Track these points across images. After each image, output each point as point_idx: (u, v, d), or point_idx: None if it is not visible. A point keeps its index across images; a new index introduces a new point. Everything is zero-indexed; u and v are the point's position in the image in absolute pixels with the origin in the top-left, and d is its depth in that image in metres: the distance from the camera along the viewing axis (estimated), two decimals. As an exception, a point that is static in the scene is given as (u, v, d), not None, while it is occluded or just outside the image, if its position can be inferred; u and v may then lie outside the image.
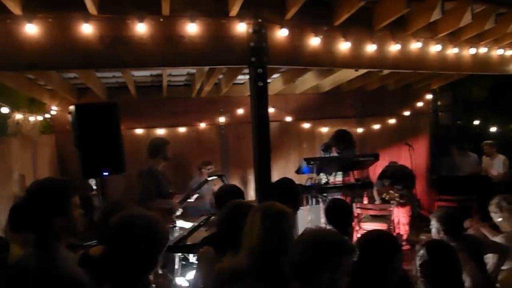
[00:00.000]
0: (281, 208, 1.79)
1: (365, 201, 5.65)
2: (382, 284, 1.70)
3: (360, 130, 7.03)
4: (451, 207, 4.97)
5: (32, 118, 5.02)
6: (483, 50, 5.25)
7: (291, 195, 2.49)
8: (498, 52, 5.43)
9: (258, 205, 1.86)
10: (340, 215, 2.60)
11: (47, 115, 5.68)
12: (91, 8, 3.21)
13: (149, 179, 3.65)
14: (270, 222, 1.73)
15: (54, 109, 5.75)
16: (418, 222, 5.50)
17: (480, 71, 5.54)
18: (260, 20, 3.72)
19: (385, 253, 1.72)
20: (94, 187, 4.19)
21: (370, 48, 4.33)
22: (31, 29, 3.16)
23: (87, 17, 3.28)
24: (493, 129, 7.56)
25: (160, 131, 6.13)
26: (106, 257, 1.44)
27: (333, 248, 1.52)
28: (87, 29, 3.30)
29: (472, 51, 5.11)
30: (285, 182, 2.84)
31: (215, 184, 5.56)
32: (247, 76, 4.10)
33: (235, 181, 6.30)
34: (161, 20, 3.50)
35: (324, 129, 6.84)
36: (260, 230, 1.72)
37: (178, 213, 3.87)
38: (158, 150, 3.82)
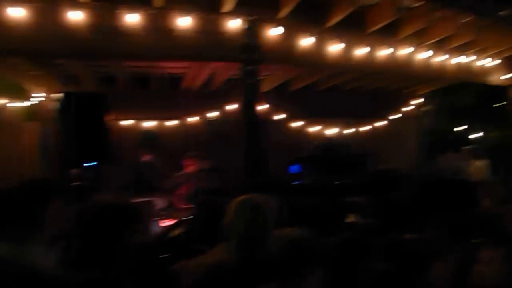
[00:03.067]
0: (258, 201, 1.84)
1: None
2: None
3: (350, 131, 7.10)
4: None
5: (15, 105, 4.91)
6: (467, 59, 5.38)
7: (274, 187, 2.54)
8: (481, 62, 5.57)
9: (238, 198, 1.91)
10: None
11: (32, 102, 5.54)
12: (83, -5, 3.17)
13: (133, 172, 3.63)
14: (248, 214, 1.78)
15: (40, 96, 5.62)
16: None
17: (464, 79, 5.67)
18: (253, 18, 3.71)
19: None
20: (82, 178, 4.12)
21: (361, 50, 4.38)
22: (16, 13, 3.08)
23: (77, 5, 3.23)
24: (476, 134, 7.75)
25: (150, 124, 6.07)
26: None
27: (310, 254, 1.55)
28: (76, 17, 3.24)
29: (458, 59, 5.23)
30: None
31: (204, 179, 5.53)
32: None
33: (223, 177, 6.28)
34: (154, 12, 3.47)
35: (316, 128, 6.87)
36: (240, 222, 1.77)
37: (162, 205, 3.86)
38: (146, 143, 3.80)
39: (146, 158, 3.84)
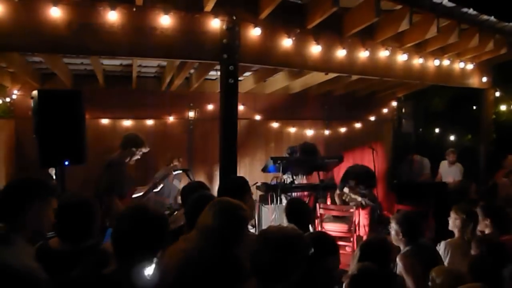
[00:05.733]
0: (237, 205, 1.85)
1: (328, 202, 5.79)
2: (311, 284, 1.79)
3: (326, 132, 7.20)
4: (410, 211, 5.13)
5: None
6: (446, 62, 5.53)
7: (241, 192, 2.56)
8: (459, 65, 5.74)
9: (216, 200, 1.92)
10: (297, 215, 2.70)
11: (7, 99, 5.41)
12: (61, -9, 3.11)
13: (120, 169, 3.58)
14: (225, 218, 1.78)
15: (15, 93, 5.49)
16: (376, 225, 5.67)
17: (442, 82, 5.83)
18: (234, 18, 3.73)
19: (316, 253, 1.82)
20: (54, 177, 4.04)
21: (340, 53, 4.45)
22: (-7, 8, 3.02)
23: (56, 0, 3.17)
24: (450, 138, 7.97)
25: (127, 123, 6.00)
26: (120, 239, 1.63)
27: (297, 249, 1.59)
28: (55, 13, 3.18)
29: (436, 62, 5.37)
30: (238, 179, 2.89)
31: (180, 181, 5.52)
32: (219, 72, 4.09)
33: (200, 177, 6.27)
34: (134, 9, 3.44)
35: (292, 130, 6.94)
36: (214, 224, 1.77)
37: None
38: (131, 146, 3.74)
39: (125, 158, 3.77)
